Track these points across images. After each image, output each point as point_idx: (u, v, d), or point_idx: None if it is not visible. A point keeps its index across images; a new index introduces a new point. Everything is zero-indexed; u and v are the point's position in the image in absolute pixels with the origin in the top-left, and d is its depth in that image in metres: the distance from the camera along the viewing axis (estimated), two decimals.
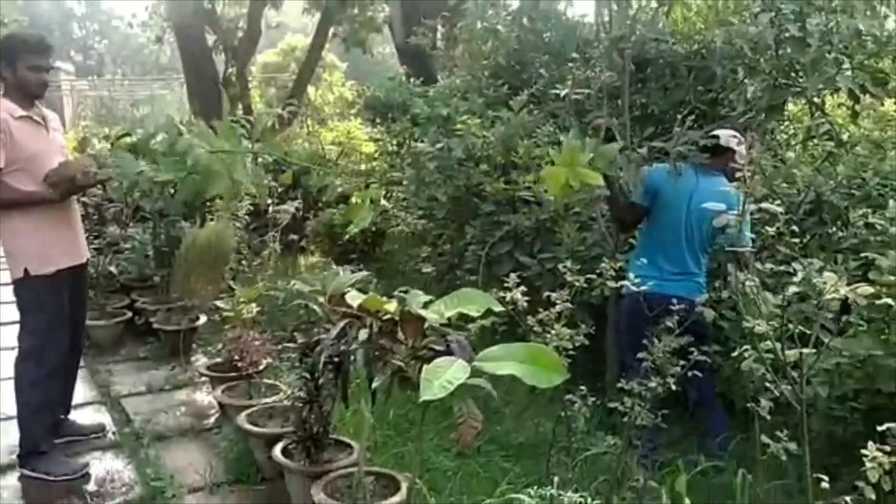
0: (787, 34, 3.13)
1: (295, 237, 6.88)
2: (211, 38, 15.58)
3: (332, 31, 15.69)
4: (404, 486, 2.80)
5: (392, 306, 2.31)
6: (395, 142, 7.00)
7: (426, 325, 2.24)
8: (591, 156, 2.83)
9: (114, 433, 3.87)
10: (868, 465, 2.16)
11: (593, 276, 3.10)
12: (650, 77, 4.47)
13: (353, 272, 3.21)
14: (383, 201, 7.31)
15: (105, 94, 25.19)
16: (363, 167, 9.82)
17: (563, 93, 3.83)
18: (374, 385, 2.27)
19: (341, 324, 2.65)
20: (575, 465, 3.25)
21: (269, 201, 5.57)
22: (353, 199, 3.45)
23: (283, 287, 4.08)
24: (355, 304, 2.36)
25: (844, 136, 4.00)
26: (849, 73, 3.18)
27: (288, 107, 15.67)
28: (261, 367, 3.95)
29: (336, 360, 2.86)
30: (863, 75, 3.26)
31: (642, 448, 3.25)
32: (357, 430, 3.32)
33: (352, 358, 2.57)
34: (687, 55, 4.19)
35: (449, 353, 2.17)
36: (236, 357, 3.99)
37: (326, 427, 3.07)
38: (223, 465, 3.48)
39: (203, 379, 4.52)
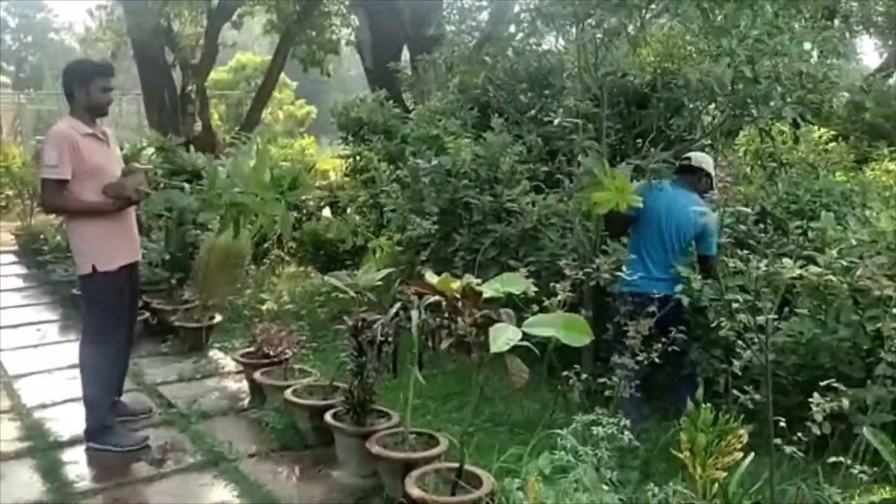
0: (741, 74, 3.88)
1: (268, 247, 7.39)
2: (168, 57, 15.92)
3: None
4: (443, 441, 3.41)
5: (456, 284, 2.92)
6: (378, 159, 7.54)
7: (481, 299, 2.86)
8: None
9: (160, 414, 4.35)
10: (814, 409, 2.88)
11: (590, 270, 3.79)
12: (622, 105, 5.21)
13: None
14: (357, 217, 7.92)
15: (42, 108, 25.01)
16: (324, 182, 10.36)
17: (556, 121, 4.46)
18: (442, 346, 2.88)
19: (397, 305, 3.26)
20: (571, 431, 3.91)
21: None
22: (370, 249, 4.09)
23: (312, 284, 4.62)
24: (434, 282, 2.96)
25: (785, 159, 4.79)
26: (792, 106, 3.96)
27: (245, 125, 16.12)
28: (288, 355, 4.49)
29: (381, 339, 3.48)
30: (802, 108, 4.05)
31: (626, 416, 3.93)
32: (393, 402, 3.90)
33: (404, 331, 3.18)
34: (654, 87, 4.93)
35: (500, 321, 2.79)
36: (267, 347, 4.54)
37: (371, 396, 3.65)
38: (269, 436, 4.01)
39: (228, 368, 5.03)
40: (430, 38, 9.35)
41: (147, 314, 5.68)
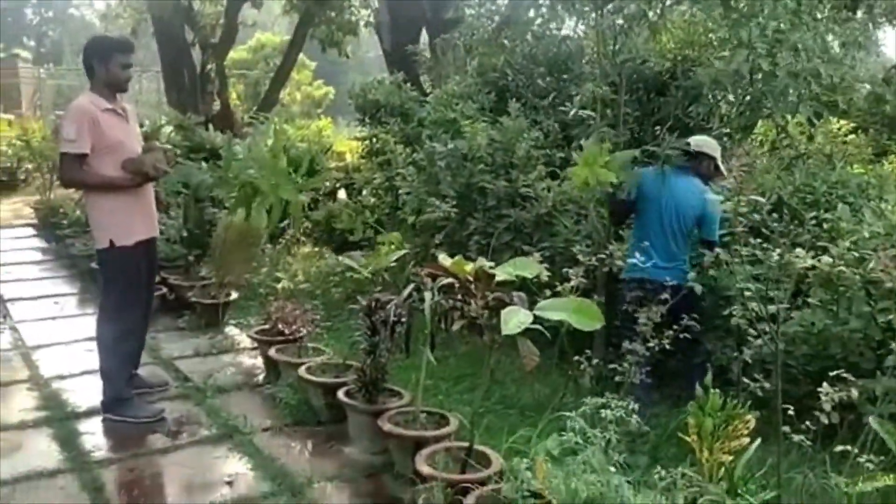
0: (759, 67, 3.87)
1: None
2: (188, 35, 15.98)
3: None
4: (454, 421, 3.46)
5: (469, 267, 2.96)
6: (395, 142, 7.55)
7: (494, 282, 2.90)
8: (608, 159, 3.54)
9: (176, 387, 4.43)
10: (823, 398, 2.90)
11: (603, 256, 3.82)
12: (641, 91, 5.21)
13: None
14: (372, 199, 7.95)
15: (63, 83, 25.18)
16: (340, 164, 10.39)
17: (572, 111, 4.45)
18: (454, 327, 2.92)
19: (410, 286, 3.30)
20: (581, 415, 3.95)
21: None
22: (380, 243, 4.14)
23: (326, 264, 4.67)
24: (447, 264, 3.00)
25: (802, 150, 4.78)
26: (807, 104, 3.95)
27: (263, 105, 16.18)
28: (303, 333, 4.55)
29: (394, 319, 3.53)
30: (818, 105, 4.03)
31: (637, 401, 3.96)
32: (405, 382, 3.95)
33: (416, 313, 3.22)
34: (674, 75, 4.92)
35: (513, 304, 2.83)
36: (282, 324, 4.60)
37: (383, 375, 3.70)
38: (283, 412, 4.07)
39: (243, 345, 5.11)
40: (449, 21, 9.34)
41: (164, 290, 5.76)
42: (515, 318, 2.62)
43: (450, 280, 3.13)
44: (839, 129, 7.73)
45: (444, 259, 3.07)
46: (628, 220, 4.65)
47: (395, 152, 7.21)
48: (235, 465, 3.53)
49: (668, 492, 2.21)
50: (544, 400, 4.50)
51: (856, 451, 2.78)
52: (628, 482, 2.40)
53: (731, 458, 2.26)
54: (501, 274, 2.87)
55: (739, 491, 2.23)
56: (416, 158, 6.74)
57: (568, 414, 2.79)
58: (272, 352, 4.41)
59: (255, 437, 3.81)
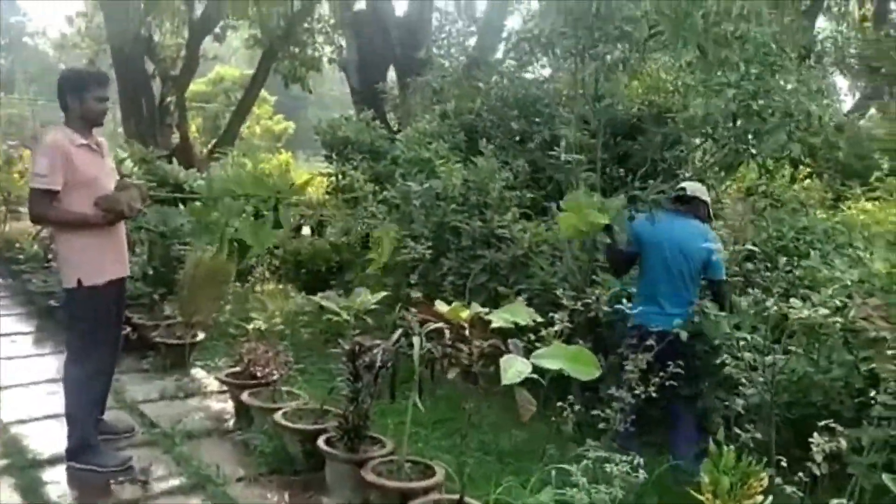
0: (745, 107, 3.91)
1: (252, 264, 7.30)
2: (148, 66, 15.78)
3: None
4: (439, 471, 3.36)
5: (465, 313, 2.89)
6: (365, 179, 7.49)
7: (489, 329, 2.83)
8: (599, 206, 3.53)
9: (142, 433, 4.24)
10: (814, 449, 2.90)
11: (589, 301, 3.79)
12: (612, 135, 5.25)
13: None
14: (343, 237, 7.85)
15: (13, 112, 24.62)
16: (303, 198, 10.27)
17: (562, 156, 4.44)
18: (449, 375, 2.84)
19: (399, 331, 3.22)
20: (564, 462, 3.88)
21: None
22: (377, 235, 4.03)
23: (295, 303, 4.55)
24: (444, 310, 2.93)
25: (778, 196, 4.85)
26: (795, 144, 4.01)
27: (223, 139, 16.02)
28: (276, 377, 4.41)
29: (380, 364, 3.43)
30: (804, 147, 4.10)
31: (620, 450, 3.91)
32: (383, 429, 3.84)
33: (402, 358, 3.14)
34: (641, 119, 4.98)
35: (508, 351, 2.77)
36: (255, 367, 4.46)
37: (366, 422, 3.59)
38: (257, 460, 3.92)
39: (211, 388, 4.94)
40: (418, 60, 9.37)
41: (128, 329, 5.54)
42: (514, 368, 2.56)
43: (439, 325, 3.06)
44: (797, 175, 7.92)
45: (441, 305, 3.00)
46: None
47: (364, 190, 7.15)
48: None
49: None
50: (523, 446, 4.43)
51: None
52: None
53: None
54: (497, 320, 2.81)
55: None
56: (386, 197, 6.69)
57: (565, 466, 2.72)
58: (245, 396, 4.26)
59: (230, 487, 3.64)
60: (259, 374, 4.41)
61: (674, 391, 3.51)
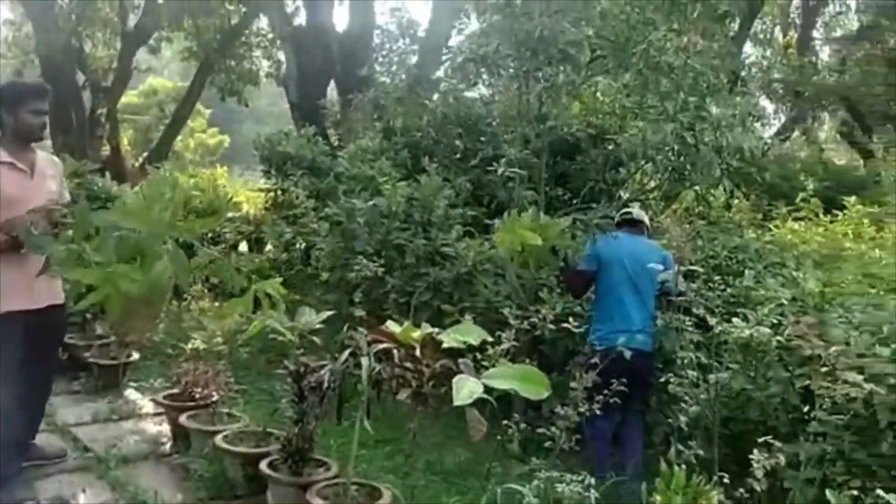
0: (681, 140, 4.04)
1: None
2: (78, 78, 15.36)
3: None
4: (387, 494, 3.32)
5: (416, 334, 2.87)
6: (306, 196, 7.40)
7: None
8: (540, 227, 3.57)
9: (75, 458, 4.07)
10: (755, 465, 2.97)
11: (536, 321, 3.82)
12: (562, 156, 5.33)
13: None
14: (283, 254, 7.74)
15: None
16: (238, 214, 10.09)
17: (500, 171, 4.49)
18: (400, 396, 2.81)
19: (346, 353, 3.18)
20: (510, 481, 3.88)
21: None
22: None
23: (242, 323, 4.46)
24: (396, 331, 2.90)
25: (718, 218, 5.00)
26: (729, 178, 4.15)
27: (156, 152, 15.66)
28: (215, 398, 4.30)
29: (327, 385, 3.38)
30: (738, 177, 4.24)
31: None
32: (326, 450, 3.78)
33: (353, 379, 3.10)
34: (591, 141, 5.09)
35: (460, 371, 2.76)
36: (193, 388, 4.34)
37: (311, 445, 3.52)
38: (196, 484, 3.80)
39: (146, 410, 4.78)
40: (359, 77, 9.36)
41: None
42: (467, 388, 2.55)
43: (387, 346, 3.03)
44: (733, 200, 8.19)
45: (391, 325, 2.97)
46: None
47: (305, 206, 7.06)
48: None
49: None
50: (468, 466, 4.42)
51: None
52: None
53: None
54: (448, 341, 2.80)
55: None
56: (328, 213, 6.64)
57: (513, 486, 2.72)
58: (183, 418, 4.14)
59: None
60: (198, 396, 4.28)
61: (628, 408, 3.56)
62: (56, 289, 3.63)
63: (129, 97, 21.94)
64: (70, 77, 14.78)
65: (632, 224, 4.28)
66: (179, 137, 21.49)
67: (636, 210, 4.36)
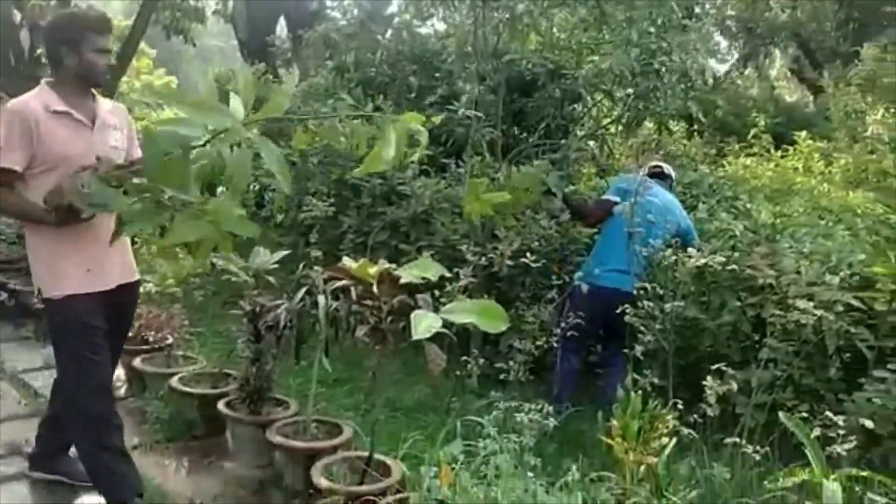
0: (646, 65, 4.00)
1: None
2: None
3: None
4: (347, 430, 3.32)
5: (373, 270, 2.83)
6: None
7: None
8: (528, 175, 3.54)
9: (26, 404, 3.99)
10: (708, 391, 3.04)
11: (493, 256, 3.82)
12: (519, 93, 5.26)
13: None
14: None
15: None
16: None
17: (460, 111, 4.41)
18: (358, 333, 2.79)
19: (302, 291, 3.14)
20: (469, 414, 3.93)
21: None
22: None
23: (197, 265, 4.38)
24: (352, 266, 2.85)
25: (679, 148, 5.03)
26: (694, 102, 4.14)
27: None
28: (170, 341, 4.24)
29: (284, 324, 3.35)
30: (698, 104, 4.24)
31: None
32: (290, 391, 3.77)
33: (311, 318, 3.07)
34: (552, 76, 5.02)
35: (418, 307, 2.73)
36: (147, 331, 4.27)
37: (269, 384, 3.50)
38: (153, 427, 3.77)
39: None
40: (309, 12, 9.09)
41: (4, 295, 5.21)
42: (425, 323, 2.52)
43: (345, 283, 2.99)
44: (680, 132, 8.24)
45: (347, 261, 2.93)
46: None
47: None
48: None
49: (589, 494, 2.21)
50: (428, 401, 4.46)
51: (742, 442, 2.90)
52: (541, 485, 2.38)
53: (655, 459, 2.29)
54: (407, 276, 2.77)
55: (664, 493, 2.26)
56: (281, 154, 6.49)
57: (473, 418, 2.74)
58: (137, 362, 4.07)
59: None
60: (152, 339, 4.22)
61: (611, 345, 3.60)
62: (129, 263, 3.06)
63: None
64: (6, 15, 14.05)
65: (661, 177, 4.32)
66: (125, 78, 20.78)
67: (665, 165, 4.42)
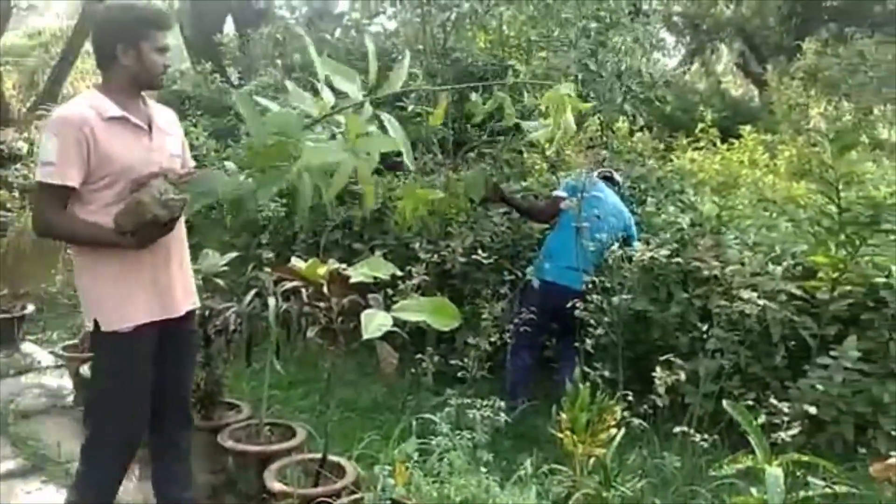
0: (583, 66, 4.05)
1: None
2: None
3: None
4: (300, 432, 3.31)
5: (323, 269, 2.82)
6: (207, 136, 7.14)
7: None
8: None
9: None
10: (657, 382, 3.09)
11: (445, 254, 3.83)
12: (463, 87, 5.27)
13: None
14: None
15: None
16: None
17: (409, 107, 4.42)
18: (309, 334, 2.77)
19: (251, 293, 3.11)
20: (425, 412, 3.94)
21: None
22: None
23: None
24: (301, 267, 2.83)
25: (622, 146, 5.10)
26: (632, 102, 4.20)
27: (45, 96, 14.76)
28: None
29: (233, 328, 3.31)
30: (638, 104, 4.30)
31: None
32: (242, 395, 3.73)
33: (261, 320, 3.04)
34: (496, 74, 5.05)
35: (369, 306, 2.73)
36: None
37: (220, 388, 3.46)
38: None
39: (45, 363, 4.60)
40: (257, 11, 9.00)
41: None
42: (375, 321, 2.52)
43: (296, 284, 2.97)
44: (635, 128, 8.36)
45: (296, 262, 2.91)
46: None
47: (206, 147, 6.81)
48: (53, 499, 3.15)
49: (542, 486, 2.24)
50: (383, 401, 4.45)
51: (690, 431, 2.96)
52: (495, 480, 2.40)
53: (604, 450, 2.33)
54: (357, 276, 2.76)
55: (613, 483, 2.29)
56: (231, 154, 6.41)
57: (430, 416, 2.75)
58: (85, 369, 3.99)
59: (72, 465, 3.40)
60: None
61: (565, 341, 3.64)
62: (191, 287, 2.71)
63: (11, 38, 20.49)
64: None
65: (611, 181, 4.40)
66: (70, 79, 20.33)
67: (616, 173, 4.54)
